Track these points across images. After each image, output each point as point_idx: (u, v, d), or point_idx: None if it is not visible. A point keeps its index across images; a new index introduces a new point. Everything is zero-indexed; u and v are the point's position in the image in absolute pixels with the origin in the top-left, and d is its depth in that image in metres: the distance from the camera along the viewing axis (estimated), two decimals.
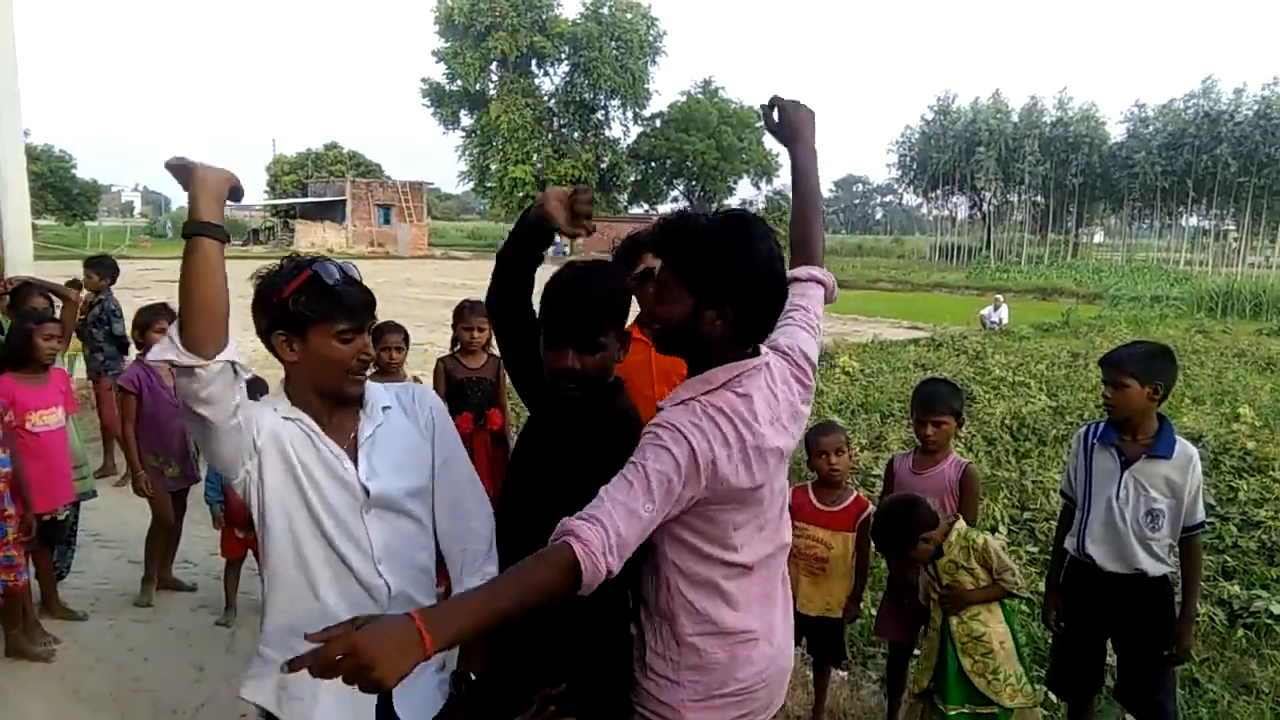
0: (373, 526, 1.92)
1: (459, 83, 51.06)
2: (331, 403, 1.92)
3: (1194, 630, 3.43)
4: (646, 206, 57.40)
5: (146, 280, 27.46)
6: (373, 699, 1.89)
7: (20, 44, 8.16)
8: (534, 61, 51.11)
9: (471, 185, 55.22)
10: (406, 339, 4.57)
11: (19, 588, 3.97)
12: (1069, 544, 3.27)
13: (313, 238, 48.57)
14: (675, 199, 58.11)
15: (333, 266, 1.88)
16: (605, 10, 50.32)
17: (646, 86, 52.00)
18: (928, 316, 22.28)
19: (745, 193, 62.17)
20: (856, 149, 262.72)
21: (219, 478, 4.03)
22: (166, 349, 1.67)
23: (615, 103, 52.60)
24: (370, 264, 40.37)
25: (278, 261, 1.95)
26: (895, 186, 68.16)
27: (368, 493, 1.91)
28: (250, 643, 2.09)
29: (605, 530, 1.57)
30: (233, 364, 1.70)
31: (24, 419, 4.05)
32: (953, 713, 3.07)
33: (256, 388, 3.96)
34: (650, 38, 51.36)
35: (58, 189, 49.36)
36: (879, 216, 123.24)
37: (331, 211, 50.78)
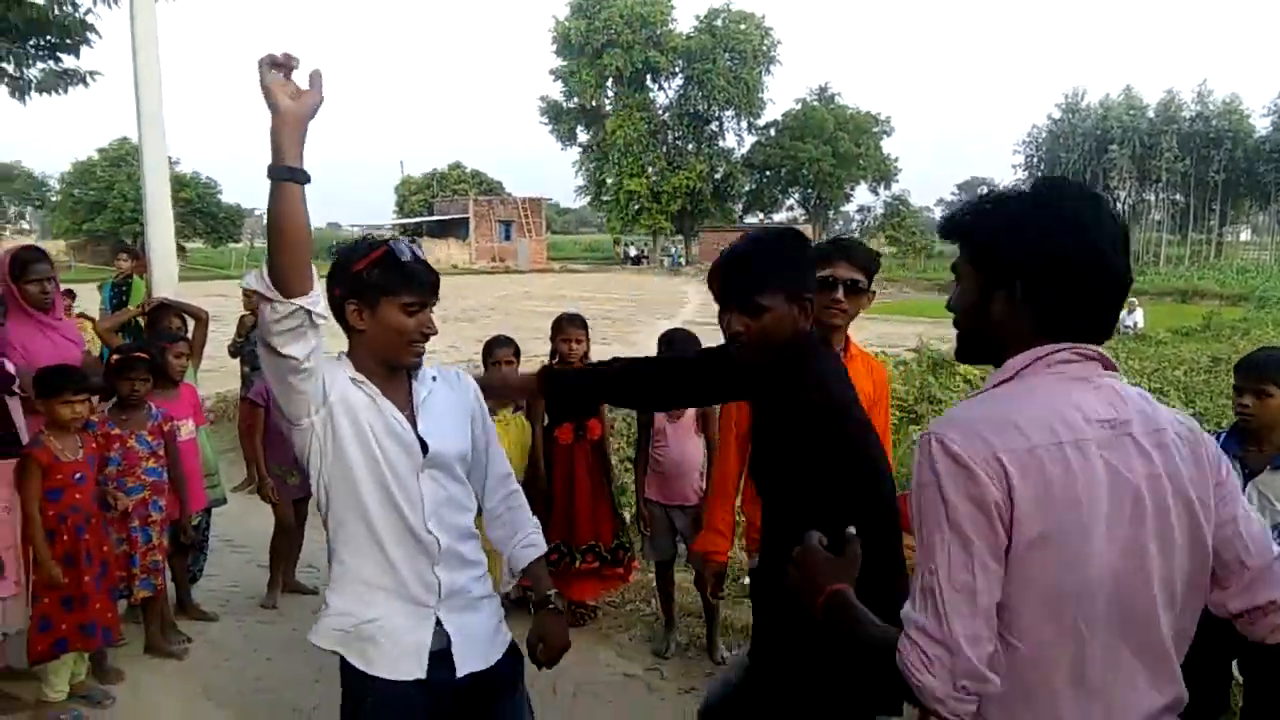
0: (425, 485, 2.06)
1: (576, 100, 52.05)
2: (389, 371, 2.08)
3: None
4: (762, 215, 57.07)
5: None
6: (422, 648, 2.05)
7: (167, 73, 8.76)
8: (648, 76, 51.60)
9: (588, 199, 56.11)
10: (518, 352, 4.68)
11: (138, 597, 4.25)
12: None
13: (438, 254, 50.22)
14: (791, 207, 57.66)
15: (404, 245, 2.04)
16: (719, 23, 50.42)
17: (760, 96, 51.80)
18: None
19: (863, 198, 61.03)
20: (980, 151, 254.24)
21: None
22: (254, 280, 1.83)
23: (729, 113, 52.54)
24: (492, 279, 41.59)
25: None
26: None
27: (425, 452, 2.05)
28: None
29: (928, 645, 1.26)
30: (309, 312, 1.83)
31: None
32: None
33: None
34: (764, 47, 51.12)
35: (204, 214, 52.43)
36: None
37: (455, 229, 52.46)
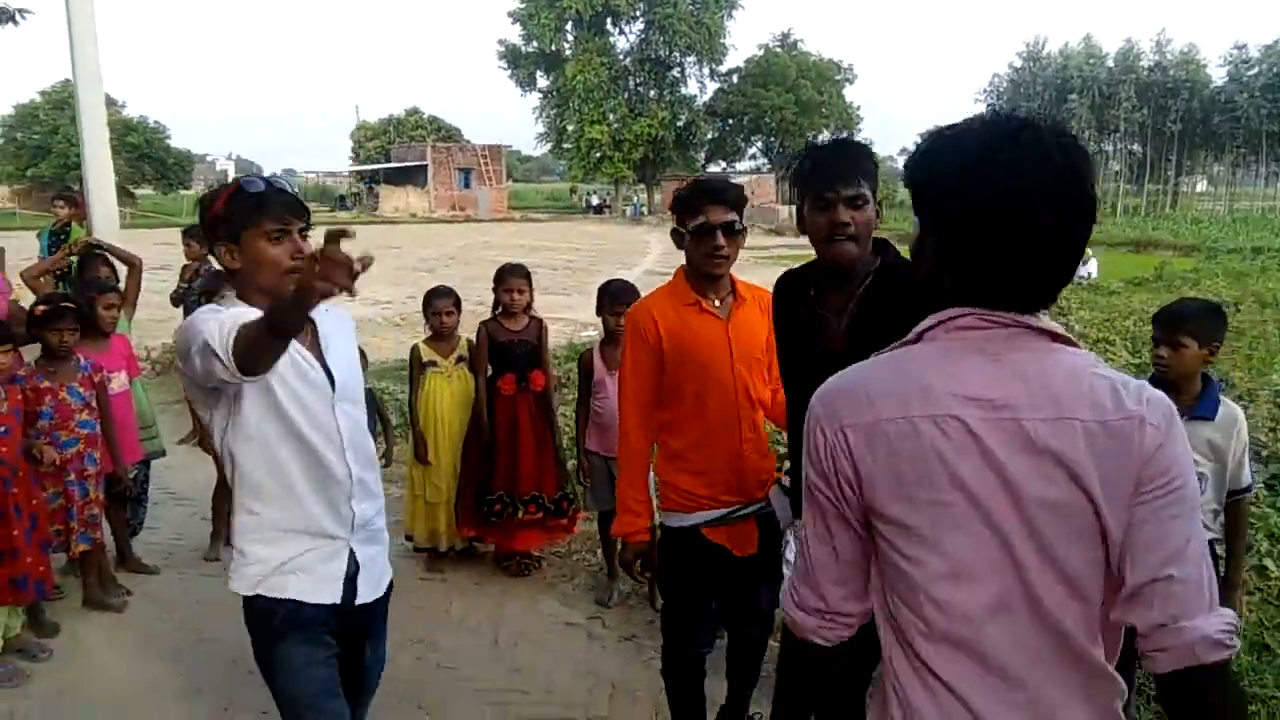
0: (340, 419, 2.12)
1: (535, 44, 51.00)
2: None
3: (1243, 597, 3.28)
4: (724, 164, 56.77)
5: None
6: (338, 576, 2.16)
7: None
8: (609, 20, 50.66)
9: (549, 147, 55.37)
10: (458, 303, 4.69)
11: (97, 544, 4.22)
12: None
13: (396, 202, 49.50)
14: (754, 156, 57.37)
15: (257, 179, 2.07)
16: None
17: (723, 42, 51.04)
18: None
19: None
20: (942, 100, 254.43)
21: None
22: (218, 368, 1.84)
23: (691, 59, 51.80)
24: (451, 227, 41.05)
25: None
26: None
27: (333, 386, 2.11)
28: None
29: (798, 587, 1.40)
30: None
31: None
32: None
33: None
34: None
35: (153, 159, 51.16)
36: None
37: (414, 176, 51.59)
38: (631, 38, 52.00)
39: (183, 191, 54.51)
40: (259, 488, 2.08)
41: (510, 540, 4.61)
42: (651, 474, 2.85)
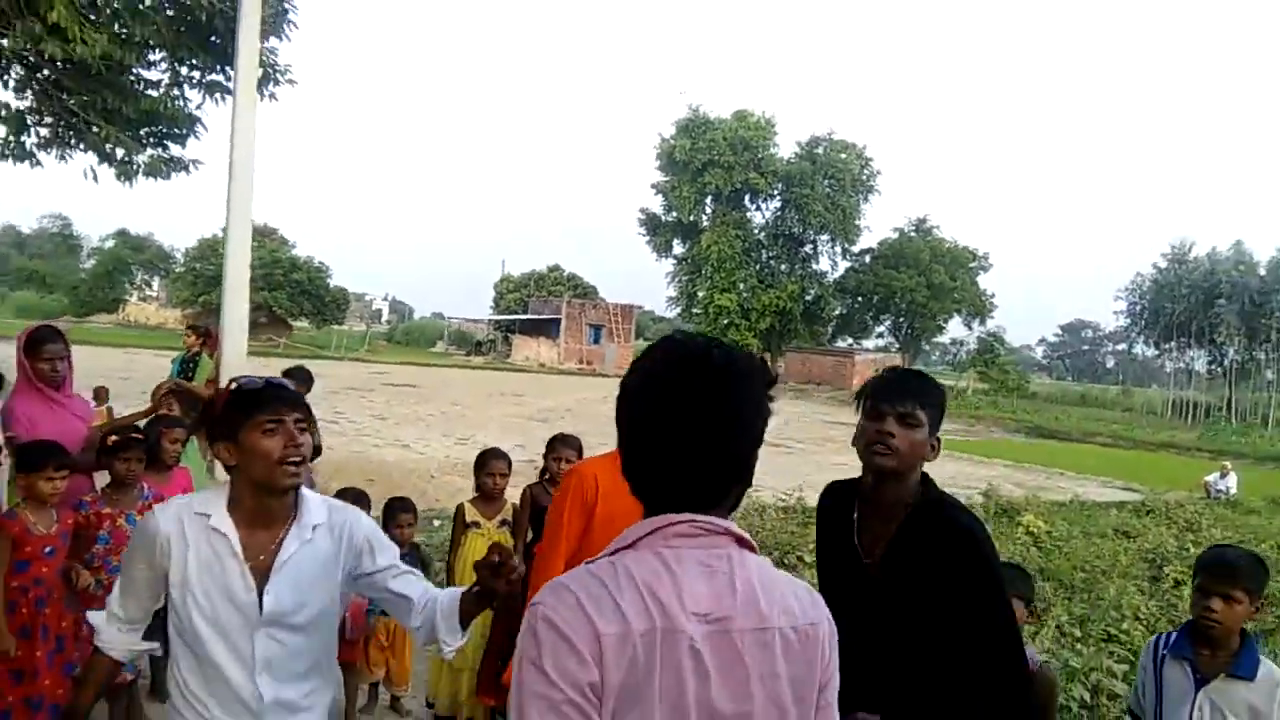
0: (260, 643, 2.06)
1: (674, 214, 53.20)
2: (266, 505, 2.08)
3: None
4: (851, 340, 56.72)
5: (374, 382, 29.90)
6: None
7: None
8: (747, 196, 52.55)
9: (679, 311, 56.70)
10: (510, 465, 4.77)
11: (125, 680, 4.23)
12: None
13: (527, 351, 51.41)
14: (881, 334, 57.15)
15: (254, 378, 2.12)
16: (820, 150, 51.33)
17: (857, 223, 52.07)
18: (1145, 479, 20.30)
19: (956, 332, 60.18)
20: (1084, 291, 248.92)
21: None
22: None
23: (824, 237, 52.92)
24: (577, 380, 42.09)
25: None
26: (1129, 335, 63.98)
27: (261, 612, 2.05)
28: None
29: None
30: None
31: None
32: None
33: (360, 501, 4.26)
34: (863, 176, 51.71)
35: (313, 296, 54.91)
36: (1110, 365, 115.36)
37: (547, 329, 53.64)
38: (768, 214, 53.72)
39: (334, 327, 58.06)
40: (173, 674, 2.12)
41: None
42: None
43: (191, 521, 2.06)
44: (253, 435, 2.03)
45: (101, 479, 4.29)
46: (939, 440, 2.28)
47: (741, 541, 1.32)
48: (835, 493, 2.49)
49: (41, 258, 66.31)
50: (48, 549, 3.76)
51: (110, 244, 61.86)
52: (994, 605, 2.14)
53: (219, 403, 2.10)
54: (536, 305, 57.01)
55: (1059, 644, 6.79)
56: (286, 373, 7.51)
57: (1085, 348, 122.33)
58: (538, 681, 1.21)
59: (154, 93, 9.62)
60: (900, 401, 2.21)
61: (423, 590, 2.17)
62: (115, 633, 2.15)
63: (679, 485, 1.31)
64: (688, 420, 1.29)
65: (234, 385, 2.10)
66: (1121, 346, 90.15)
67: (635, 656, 1.21)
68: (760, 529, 9.72)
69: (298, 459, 2.05)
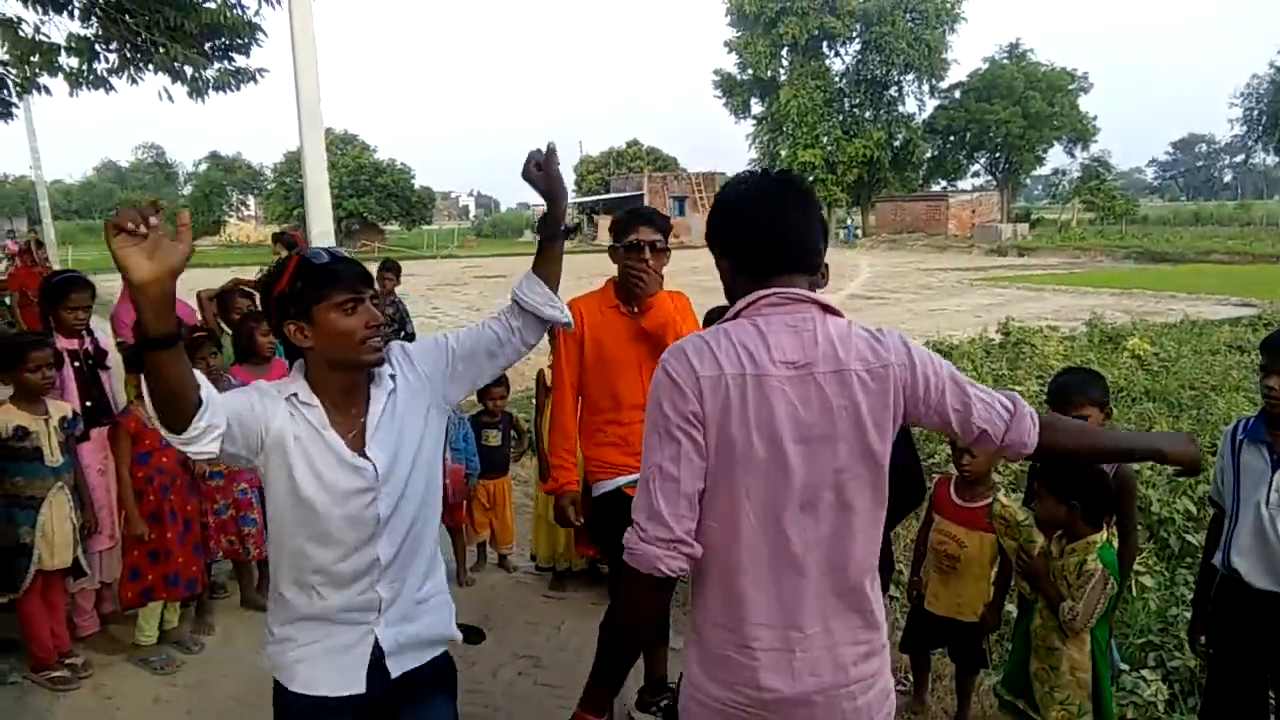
0: (382, 505, 2.01)
1: (750, 71, 51.39)
2: (347, 382, 2.02)
3: None
4: (944, 183, 54.56)
5: (467, 276, 30.44)
6: (357, 666, 2.06)
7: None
8: (824, 43, 50.23)
9: None
10: (507, 387, 5.29)
11: (259, 556, 4.57)
12: (1216, 558, 2.77)
13: None
14: (976, 173, 54.76)
15: (319, 250, 2.00)
16: None
17: (944, 57, 49.22)
18: (1265, 293, 19.21)
19: (1058, 161, 57.24)
20: (1196, 104, 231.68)
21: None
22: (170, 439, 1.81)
23: (909, 77, 50.32)
24: None
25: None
26: (1246, 144, 59.75)
27: (377, 474, 2.00)
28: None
29: (644, 524, 1.62)
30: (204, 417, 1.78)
31: None
32: (1005, 696, 2.99)
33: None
34: (947, 5, 48.57)
35: (400, 198, 55.58)
36: (1227, 180, 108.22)
37: (631, 206, 53.16)
38: (847, 59, 51.33)
39: (424, 227, 58.82)
40: (286, 571, 2.06)
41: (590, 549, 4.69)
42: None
43: (283, 401, 1.99)
44: (330, 315, 1.95)
45: None
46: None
47: (826, 308, 1.68)
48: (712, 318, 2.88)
49: (142, 188, 68.72)
50: (164, 440, 4.06)
51: (203, 168, 63.61)
52: None
53: (285, 278, 1.97)
54: (618, 184, 56.43)
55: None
56: (383, 266, 7.77)
57: (1200, 164, 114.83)
58: (656, 412, 1.63)
59: (212, 4, 9.69)
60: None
61: (496, 315, 2.26)
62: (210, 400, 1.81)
63: (770, 262, 1.70)
64: (770, 210, 1.71)
65: (300, 258, 1.99)
66: (1239, 158, 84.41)
67: (728, 393, 1.58)
68: None
69: (378, 337, 2.00)
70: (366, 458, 2.00)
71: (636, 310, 3.22)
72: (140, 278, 1.53)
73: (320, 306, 1.95)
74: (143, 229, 1.52)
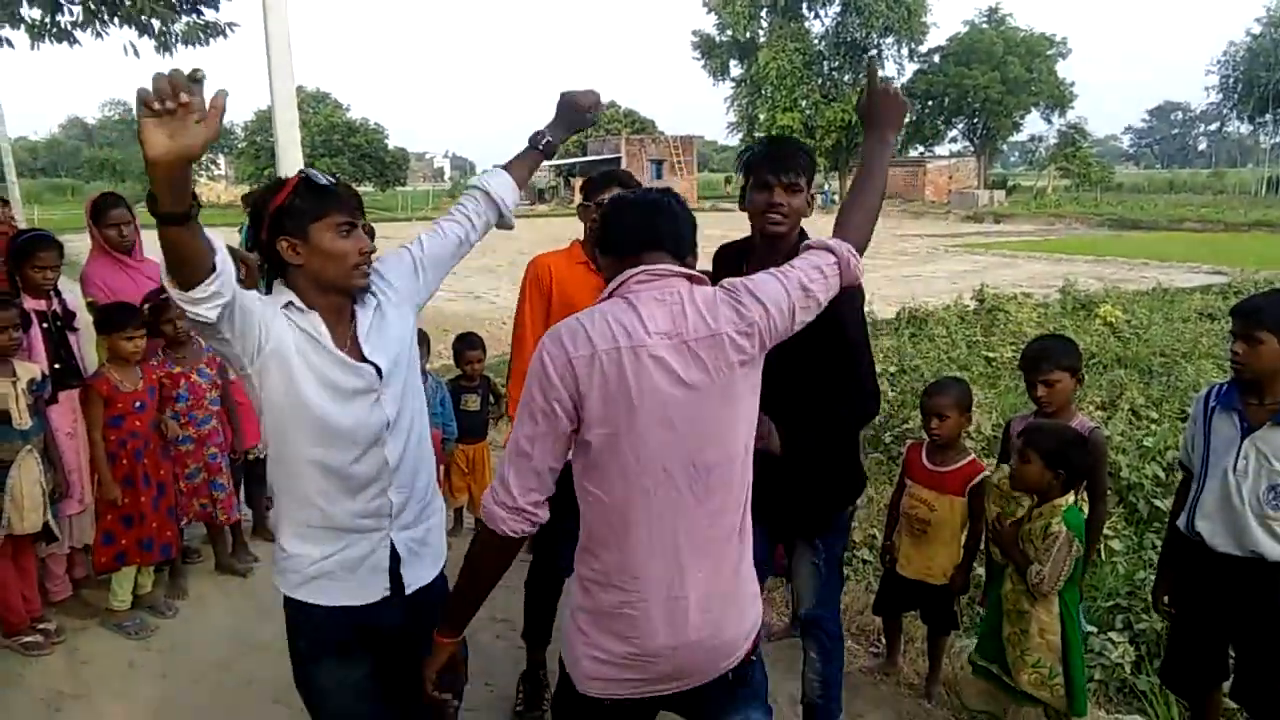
0: (388, 408, 2.07)
1: (729, 32, 50.94)
2: (334, 302, 2.04)
3: None
4: (922, 149, 54.53)
5: None
6: (380, 566, 2.14)
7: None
8: (804, 4, 49.86)
9: (741, 136, 55.06)
10: (484, 348, 5.38)
11: (229, 520, 4.57)
12: (1180, 521, 2.83)
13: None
14: (954, 139, 54.76)
15: (320, 173, 2.02)
16: None
17: (923, 20, 49.00)
18: (1236, 260, 19.47)
19: (1034, 127, 57.33)
20: (1172, 71, 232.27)
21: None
22: (180, 299, 1.79)
23: (889, 40, 50.05)
24: None
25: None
26: (1221, 112, 60.06)
27: (380, 375, 2.06)
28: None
29: (496, 488, 1.81)
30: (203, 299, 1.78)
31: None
32: (979, 662, 3.01)
33: (422, 341, 4.38)
34: None
35: (373, 158, 54.91)
36: (1201, 148, 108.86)
37: (604, 169, 52.74)
38: (827, 21, 50.93)
39: (398, 188, 58.16)
40: (294, 482, 2.07)
41: None
42: None
43: (279, 310, 2.00)
44: (326, 234, 1.97)
45: None
46: (813, 196, 2.63)
47: (693, 279, 1.82)
48: (727, 253, 2.87)
49: (110, 145, 67.40)
50: (137, 404, 4.02)
51: None
52: (857, 313, 2.59)
53: (285, 193, 1.96)
54: (595, 146, 55.90)
55: (1132, 425, 6.77)
56: None
57: (1175, 132, 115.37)
58: (525, 393, 1.78)
59: None
60: (786, 173, 2.53)
61: (452, 216, 2.41)
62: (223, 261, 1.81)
63: (638, 243, 1.85)
64: (641, 202, 1.92)
65: (302, 175, 2.00)
66: (1214, 126, 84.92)
67: (604, 367, 1.71)
68: None
69: (369, 264, 2.05)
70: (367, 362, 2.05)
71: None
72: (154, 154, 1.51)
73: (317, 225, 1.96)
74: (169, 105, 1.47)
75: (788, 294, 1.87)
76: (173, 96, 1.47)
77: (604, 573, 1.82)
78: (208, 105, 1.51)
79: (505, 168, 2.47)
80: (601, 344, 1.72)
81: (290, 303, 2.00)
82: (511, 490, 1.77)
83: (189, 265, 1.74)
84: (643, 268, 1.81)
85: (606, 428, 1.73)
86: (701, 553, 1.80)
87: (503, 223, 2.46)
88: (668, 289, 1.78)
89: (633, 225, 1.87)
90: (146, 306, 4.21)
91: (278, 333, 1.96)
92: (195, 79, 1.50)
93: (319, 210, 1.96)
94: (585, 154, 55.88)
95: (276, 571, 2.14)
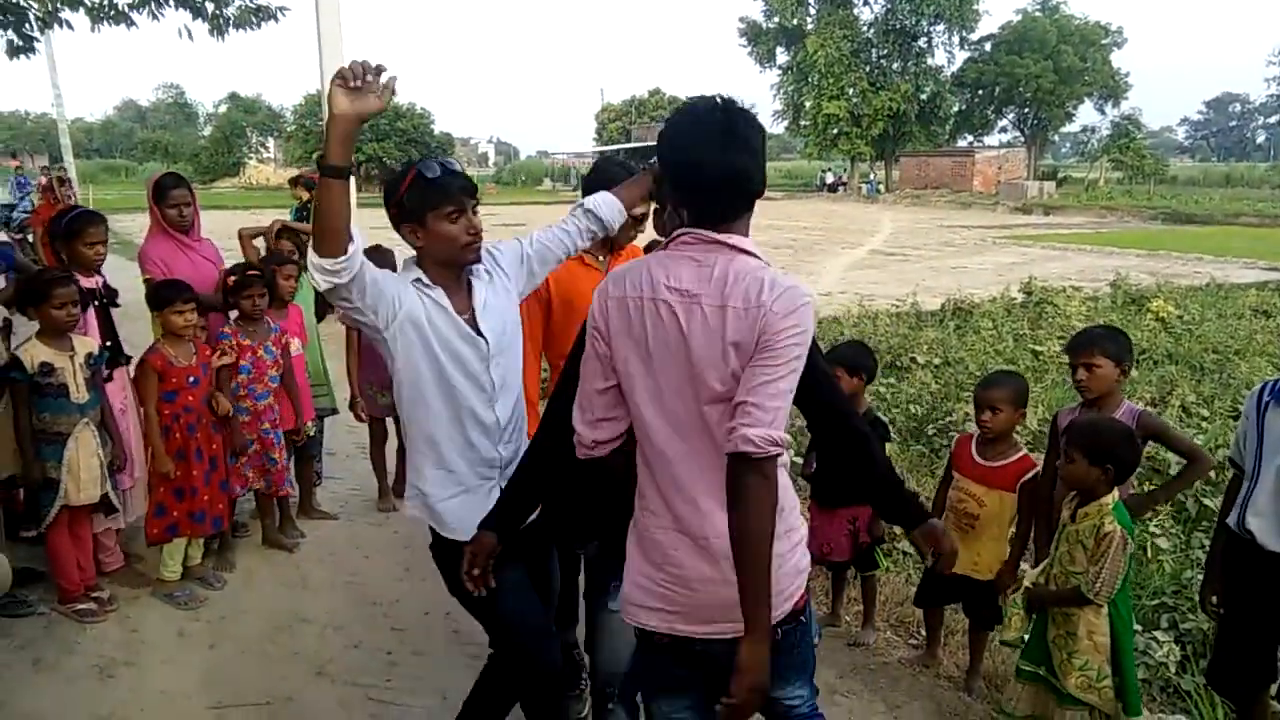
0: (495, 373, 2.46)
1: (776, 19, 50.35)
2: (453, 275, 2.44)
3: None
4: (971, 139, 53.65)
5: (485, 224, 30.32)
6: (489, 501, 2.39)
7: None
8: None
9: (786, 124, 54.52)
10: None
11: (282, 493, 4.70)
12: (1231, 519, 2.77)
13: None
14: (1004, 129, 53.81)
15: (433, 163, 2.38)
16: None
17: (975, 8, 47.79)
18: None
19: (1087, 118, 56.04)
20: (1231, 60, 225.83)
21: None
22: (315, 262, 2.19)
23: (939, 28, 48.98)
24: None
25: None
26: None
27: (488, 345, 2.44)
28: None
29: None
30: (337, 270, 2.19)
31: None
32: (1025, 668, 2.93)
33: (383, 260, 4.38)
34: None
35: (419, 143, 55.19)
36: (1260, 140, 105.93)
37: (650, 156, 52.45)
38: (877, 8, 50.07)
39: None
40: (420, 432, 2.45)
41: None
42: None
43: (410, 284, 2.38)
44: (439, 222, 2.35)
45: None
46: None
47: (741, 250, 1.85)
48: None
49: (163, 128, 68.62)
50: (191, 379, 4.11)
51: (223, 109, 63.37)
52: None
53: (403, 188, 2.35)
54: (640, 133, 55.82)
55: (1183, 423, 6.64)
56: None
57: (1233, 124, 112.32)
58: (590, 328, 1.98)
59: None
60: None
61: (565, 223, 2.71)
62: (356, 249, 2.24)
63: (697, 204, 1.88)
64: (700, 146, 1.82)
65: (416, 170, 2.36)
66: (1274, 119, 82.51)
67: (628, 311, 1.88)
68: (873, 334, 9.66)
69: (479, 242, 2.42)
70: (481, 335, 2.43)
71: (602, 260, 3.15)
72: (337, 110, 2.04)
73: (431, 214, 2.35)
74: (356, 84, 2.03)
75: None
76: (360, 76, 2.03)
77: (644, 497, 1.96)
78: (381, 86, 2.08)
79: (619, 194, 2.77)
80: (631, 290, 1.88)
81: (419, 279, 2.39)
82: (577, 414, 2.00)
83: (336, 229, 2.12)
84: (688, 230, 1.88)
85: (626, 367, 1.90)
86: (719, 498, 1.82)
87: (606, 233, 2.78)
88: (709, 252, 1.85)
89: (703, 167, 1.83)
90: (231, 280, 4.37)
91: (409, 302, 2.35)
92: (380, 71, 2.06)
93: (431, 202, 2.34)
94: (629, 140, 55.82)
95: (411, 506, 2.54)
